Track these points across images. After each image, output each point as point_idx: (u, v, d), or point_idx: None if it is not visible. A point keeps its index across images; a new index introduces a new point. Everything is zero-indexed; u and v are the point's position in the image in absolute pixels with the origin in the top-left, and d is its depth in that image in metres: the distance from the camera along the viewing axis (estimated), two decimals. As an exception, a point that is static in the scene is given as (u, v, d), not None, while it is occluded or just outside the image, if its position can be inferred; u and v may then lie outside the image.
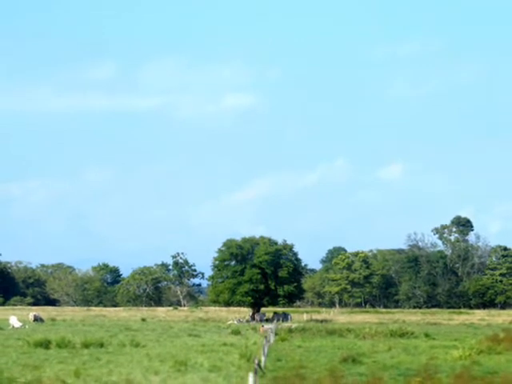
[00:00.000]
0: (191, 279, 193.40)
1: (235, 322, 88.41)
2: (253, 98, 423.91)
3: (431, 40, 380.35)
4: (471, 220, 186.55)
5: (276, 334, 55.84)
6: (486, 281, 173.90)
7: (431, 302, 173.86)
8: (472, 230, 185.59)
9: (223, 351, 40.85)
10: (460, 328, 76.86)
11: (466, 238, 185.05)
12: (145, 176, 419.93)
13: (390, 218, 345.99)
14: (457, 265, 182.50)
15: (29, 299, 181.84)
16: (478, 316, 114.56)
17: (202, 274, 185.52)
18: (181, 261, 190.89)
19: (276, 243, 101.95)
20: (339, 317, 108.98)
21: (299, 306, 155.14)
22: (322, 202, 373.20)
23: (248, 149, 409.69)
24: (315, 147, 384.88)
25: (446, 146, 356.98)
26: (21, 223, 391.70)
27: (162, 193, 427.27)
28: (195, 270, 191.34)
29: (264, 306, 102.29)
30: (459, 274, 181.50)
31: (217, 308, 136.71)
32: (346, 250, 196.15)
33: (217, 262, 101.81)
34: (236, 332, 61.73)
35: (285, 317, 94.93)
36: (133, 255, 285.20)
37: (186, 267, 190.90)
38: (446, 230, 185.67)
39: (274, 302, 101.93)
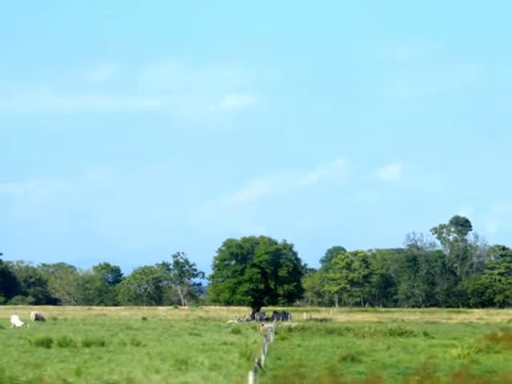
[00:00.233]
0: (192, 279, 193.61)
1: (235, 321, 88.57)
2: (253, 98, 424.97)
3: (430, 42, 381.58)
4: (470, 220, 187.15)
5: (276, 333, 55.99)
6: (484, 280, 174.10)
7: (430, 301, 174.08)
8: (470, 230, 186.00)
9: (223, 350, 40.99)
10: (459, 327, 76.91)
11: (465, 237, 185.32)
12: (145, 176, 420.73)
13: (390, 217, 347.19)
14: (455, 264, 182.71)
15: (30, 298, 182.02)
16: (477, 315, 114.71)
17: (203, 273, 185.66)
18: (181, 260, 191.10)
19: (276, 243, 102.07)
20: (338, 316, 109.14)
21: (299, 306, 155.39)
22: (321, 201, 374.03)
23: (248, 149, 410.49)
24: (315, 147, 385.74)
25: (444, 147, 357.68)
26: (22, 223, 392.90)
27: (162, 193, 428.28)
28: (196, 270, 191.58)
29: (264, 305, 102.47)
30: (458, 273, 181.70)
31: (217, 307, 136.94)
32: (345, 250, 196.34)
33: (217, 262, 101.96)
34: (236, 331, 61.88)
35: (284, 316, 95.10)
36: (134, 255, 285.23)
37: (187, 267, 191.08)
38: (444, 230, 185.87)
39: (273, 302, 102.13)
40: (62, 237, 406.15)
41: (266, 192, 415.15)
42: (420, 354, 39.23)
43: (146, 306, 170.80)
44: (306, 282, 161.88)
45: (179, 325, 75.44)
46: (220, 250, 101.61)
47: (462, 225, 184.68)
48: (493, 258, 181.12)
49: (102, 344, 43.51)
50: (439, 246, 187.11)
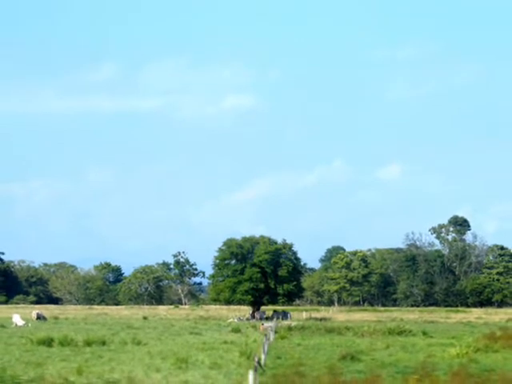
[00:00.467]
0: (192, 278, 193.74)
1: (235, 321, 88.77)
2: (253, 98, 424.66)
3: (430, 42, 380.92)
4: (468, 220, 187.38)
5: (276, 332, 56.13)
6: (483, 279, 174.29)
7: (429, 300, 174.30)
8: (469, 230, 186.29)
9: (224, 349, 41.12)
10: (457, 326, 77.03)
11: (464, 237, 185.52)
12: (146, 176, 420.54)
13: (389, 217, 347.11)
14: (454, 264, 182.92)
15: (31, 298, 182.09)
16: (475, 314, 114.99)
17: (203, 272, 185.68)
18: (182, 260, 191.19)
19: (276, 242, 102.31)
20: (338, 315, 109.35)
21: (299, 305, 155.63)
22: (321, 202, 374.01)
23: (248, 149, 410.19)
24: (315, 147, 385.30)
25: (443, 147, 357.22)
26: (23, 223, 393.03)
27: (162, 192, 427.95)
28: (196, 269, 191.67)
29: (264, 304, 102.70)
30: (456, 272, 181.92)
31: (217, 306, 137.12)
32: (344, 250, 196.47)
33: (217, 261, 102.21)
34: (236, 330, 62.02)
35: (284, 315, 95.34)
36: (134, 254, 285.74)
37: (187, 266, 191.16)
38: (443, 230, 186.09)
39: (273, 301, 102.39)
40: (63, 236, 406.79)
41: (266, 192, 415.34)
42: (419, 353, 39.32)
43: (147, 305, 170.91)
44: (305, 282, 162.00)
45: (180, 324, 75.60)
46: (220, 250, 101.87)
47: (461, 224, 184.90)
48: (491, 258, 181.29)
49: (103, 343, 43.60)
50: (438, 245, 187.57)
